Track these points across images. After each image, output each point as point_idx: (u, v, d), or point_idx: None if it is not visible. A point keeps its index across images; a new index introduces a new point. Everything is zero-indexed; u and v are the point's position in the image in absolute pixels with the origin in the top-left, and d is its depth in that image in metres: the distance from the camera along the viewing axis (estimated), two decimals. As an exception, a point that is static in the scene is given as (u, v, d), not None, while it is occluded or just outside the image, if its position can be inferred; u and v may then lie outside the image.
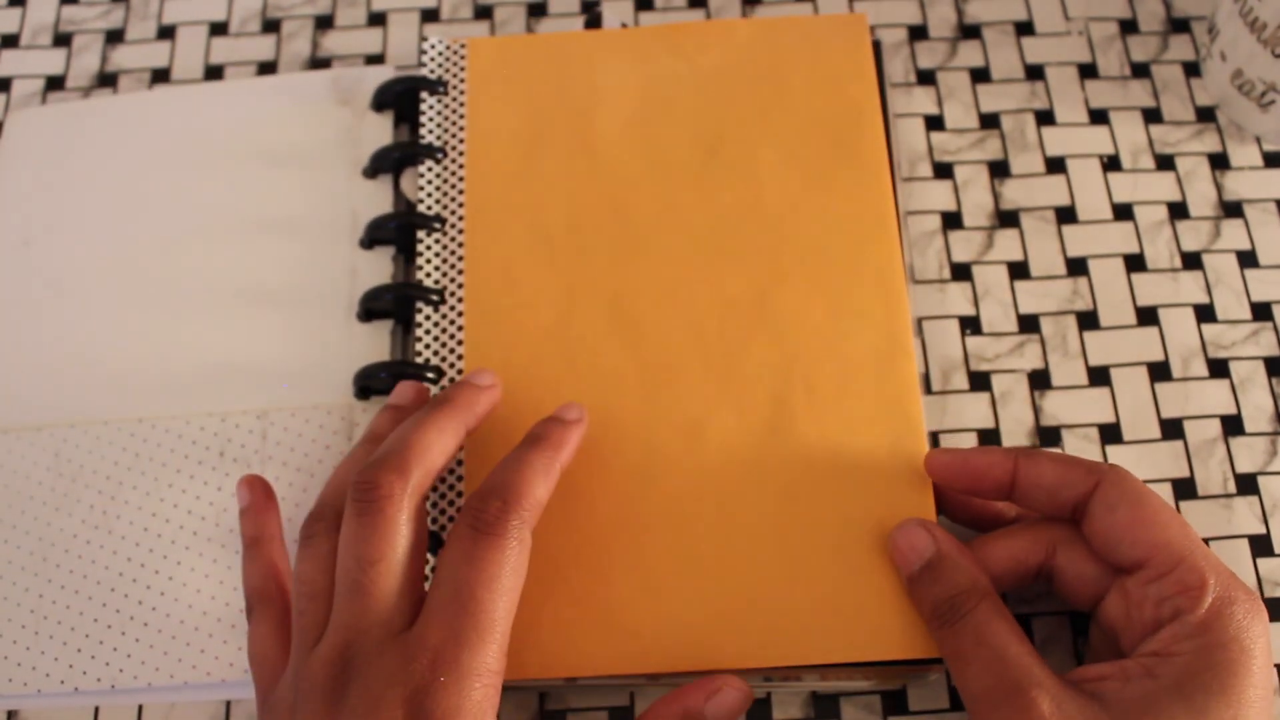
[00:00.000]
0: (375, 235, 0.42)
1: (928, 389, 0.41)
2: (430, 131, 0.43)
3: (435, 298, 0.40)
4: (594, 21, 0.45)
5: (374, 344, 0.41)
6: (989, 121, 0.46)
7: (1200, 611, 0.31)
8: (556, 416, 0.36)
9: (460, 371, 0.39)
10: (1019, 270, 0.43)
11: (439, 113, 0.43)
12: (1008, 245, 0.44)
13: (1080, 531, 0.34)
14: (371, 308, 0.41)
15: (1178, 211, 0.44)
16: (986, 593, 0.33)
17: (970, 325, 0.42)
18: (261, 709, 0.33)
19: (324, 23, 0.48)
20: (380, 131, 0.45)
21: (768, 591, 0.36)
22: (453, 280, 0.41)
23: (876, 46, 0.45)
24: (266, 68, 0.48)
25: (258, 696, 0.33)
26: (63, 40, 0.49)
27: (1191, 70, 0.46)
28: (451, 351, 0.40)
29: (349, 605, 0.31)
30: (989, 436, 0.41)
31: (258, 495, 0.37)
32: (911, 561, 0.34)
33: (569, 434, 0.36)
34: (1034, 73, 0.46)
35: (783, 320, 0.39)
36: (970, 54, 0.47)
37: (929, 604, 0.34)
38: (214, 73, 0.48)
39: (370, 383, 0.40)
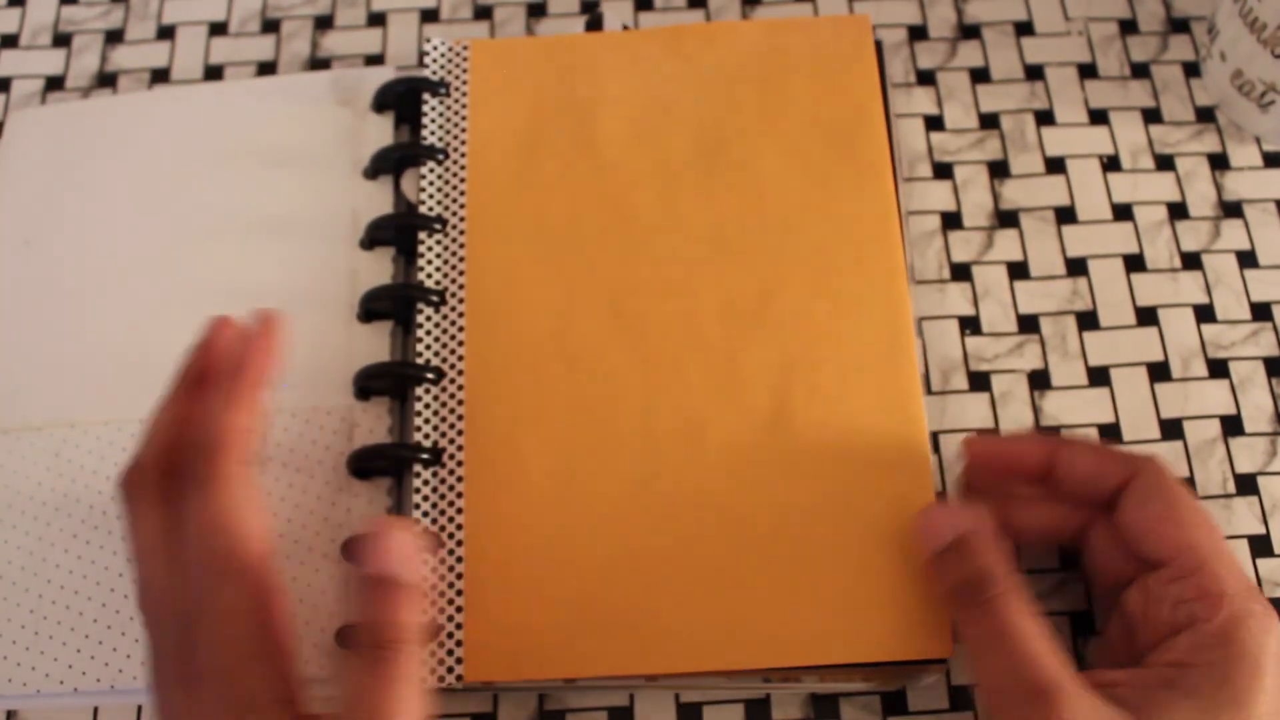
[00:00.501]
0: (376, 236, 0.42)
1: (927, 389, 0.41)
2: (432, 133, 0.43)
3: (436, 299, 0.40)
4: (595, 22, 0.45)
5: (374, 345, 0.41)
6: (989, 121, 0.46)
7: (1215, 621, 0.31)
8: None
9: (461, 373, 0.39)
10: (1019, 270, 0.43)
11: (441, 114, 0.43)
12: (1007, 245, 0.44)
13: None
14: (372, 308, 0.41)
15: (1177, 212, 0.44)
16: (1013, 582, 0.32)
17: (970, 325, 0.42)
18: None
19: (324, 23, 0.48)
20: (381, 132, 0.45)
21: (767, 592, 0.36)
22: (454, 281, 0.41)
23: (877, 47, 0.45)
24: (266, 68, 0.48)
25: (139, 597, 0.32)
26: (62, 40, 0.49)
27: (1191, 70, 0.46)
28: (452, 353, 0.40)
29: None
30: (989, 437, 0.41)
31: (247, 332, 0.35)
32: (938, 538, 0.33)
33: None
34: (1034, 73, 0.46)
35: (784, 321, 0.39)
36: (970, 54, 0.47)
37: (949, 581, 0.33)
38: (214, 73, 0.48)
39: (370, 384, 0.40)
